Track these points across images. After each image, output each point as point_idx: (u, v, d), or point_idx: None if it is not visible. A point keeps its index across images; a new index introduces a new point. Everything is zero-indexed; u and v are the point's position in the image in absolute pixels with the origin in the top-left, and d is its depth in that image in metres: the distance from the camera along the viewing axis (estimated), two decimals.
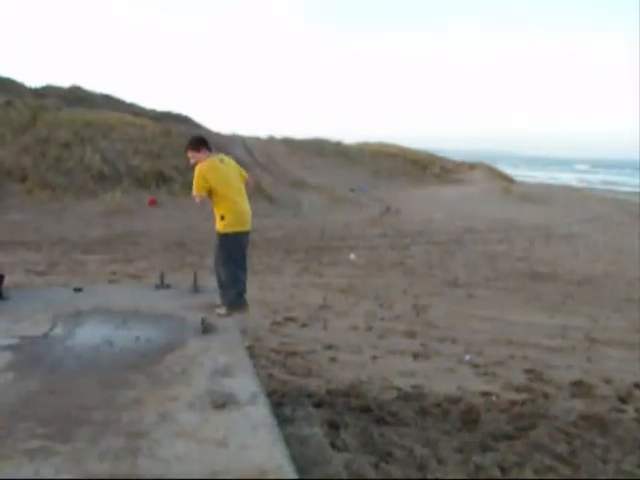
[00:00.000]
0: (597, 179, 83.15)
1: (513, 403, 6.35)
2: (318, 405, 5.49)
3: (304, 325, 9.39)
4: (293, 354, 7.81)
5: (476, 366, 7.83)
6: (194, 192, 5.30)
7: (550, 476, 4.41)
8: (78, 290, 5.19)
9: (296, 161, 37.61)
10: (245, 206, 5.34)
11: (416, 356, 8.14)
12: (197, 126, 42.25)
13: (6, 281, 4.89)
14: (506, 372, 7.61)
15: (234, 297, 5.03)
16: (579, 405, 6.40)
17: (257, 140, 42.27)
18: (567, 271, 16.05)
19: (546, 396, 6.67)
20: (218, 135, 39.38)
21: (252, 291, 11.41)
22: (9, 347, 3.53)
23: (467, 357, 8.16)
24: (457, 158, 53.20)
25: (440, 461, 4.39)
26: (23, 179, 21.10)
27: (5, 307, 4.44)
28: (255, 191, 24.83)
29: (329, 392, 6.20)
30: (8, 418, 2.59)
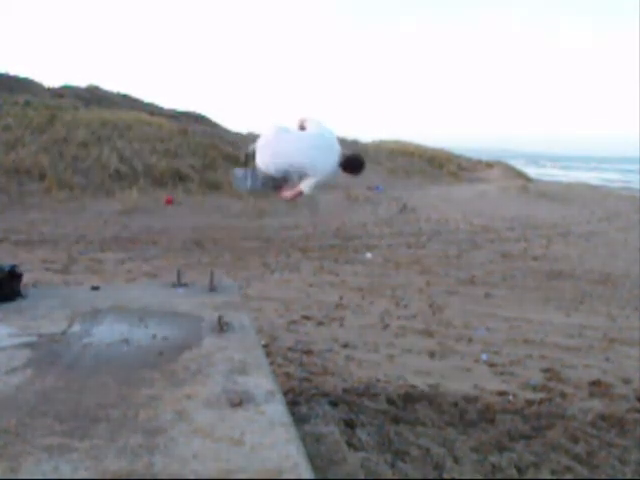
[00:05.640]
0: (615, 177, 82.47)
1: (530, 403, 6.32)
2: (334, 404, 5.50)
3: (320, 323, 9.40)
4: (309, 352, 7.83)
5: (493, 365, 7.80)
6: None
7: (567, 476, 4.38)
8: (95, 288, 5.21)
9: None
10: None
11: (432, 355, 8.12)
12: (214, 125, 42.42)
13: (25, 279, 4.93)
14: (523, 371, 7.58)
15: None
16: (597, 405, 6.36)
17: None
18: (585, 270, 15.91)
19: (564, 396, 6.63)
20: (236, 134, 39.50)
21: (269, 289, 11.49)
22: (27, 344, 3.56)
23: (484, 356, 8.13)
24: (474, 156, 52.90)
25: (456, 460, 4.38)
26: (41, 178, 21.29)
27: (23, 305, 4.47)
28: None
29: (345, 391, 6.21)
30: (27, 415, 2.61)
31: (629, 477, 4.51)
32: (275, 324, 9.12)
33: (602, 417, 5.83)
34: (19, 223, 17.61)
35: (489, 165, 47.42)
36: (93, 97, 40.77)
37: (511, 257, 17.18)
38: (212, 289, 5.23)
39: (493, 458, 4.50)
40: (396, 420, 5.32)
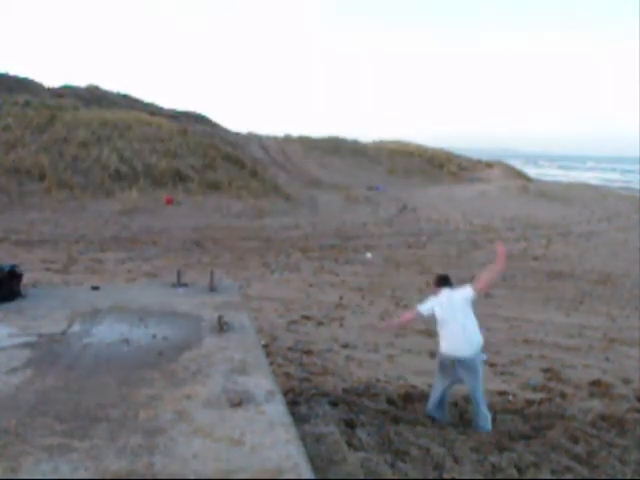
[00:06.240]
0: (615, 177, 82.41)
1: (530, 403, 6.32)
2: (334, 404, 5.49)
3: (320, 323, 9.39)
4: (309, 352, 7.82)
5: (493, 365, 7.79)
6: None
7: (567, 476, 4.37)
8: (95, 288, 5.22)
9: (312, 160, 37.63)
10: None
11: (432, 355, 8.11)
12: (214, 125, 42.42)
13: (25, 279, 4.93)
14: (523, 371, 7.57)
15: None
16: (597, 405, 6.35)
17: (273, 139, 42.35)
18: (585, 270, 15.91)
19: (564, 396, 6.63)
20: (236, 134, 39.49)
21: (269, 289, 11.48)
22: (28, 344, 3.57)
23: (484, 356, 8.12)
24: (474, 156, 52.92)
25: (456, 460, 4.37)
26: (42, 178, 21.30)
27: (24, 305, 4.48)
28: (271, 190, 24.91)
29: (345, 391, 6.20)
30: (27, 414, 2.62)
31: (629, 477, 4.51)
32: (275, 324, 9.12)
33: (602, 417, 5.83)
34: (19, 223, 17.61)
35: (489, 165, 47.44)
36: (93, 97, 40.77)
37: (511, 257, 17.15)
38: (212, 289, 5.23)
39: (493, 458, 4.49)
40: (396, 420, 5.32)
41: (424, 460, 4.32)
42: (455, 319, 5.44)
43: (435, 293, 5.74)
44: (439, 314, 5.51)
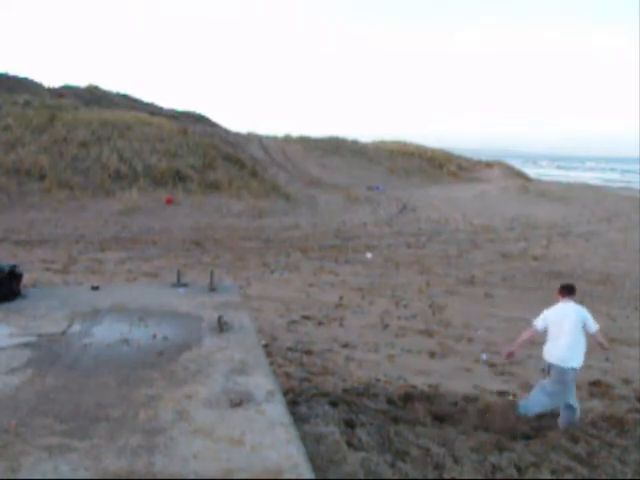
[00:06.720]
0: (615, 177, 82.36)
1: None
2: (334, 404, 5.49)
3: (320, 323, 9.39)
4: (309, 352, 7.82)
5: (493, 365, 7.80)
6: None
7: (567, 476, 4.37)
8: (95, 288, 5.22)
9: (312, 160, 37.59)
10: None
11: (432, 355, 8.12)
12: (214, 125, 42.40)
13: (25, 279, 4.93)
14: (523, 371, 7.58)
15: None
16: (597, 405, 6.36)
17: (273, 139, 42.32)
18: (585, 270, 15.90)
19: None
20: (236, 134, 39.47)
21: (269, 289, 11.47)
22: (28, 345, 3.56)
23: (484, 356, 8.13)
24: (474, 156, 52.86)
25: (456, 460, 4.37)
26: (42, 178, 21.31)
27: (23, 305, 4.48)
28: (271, 190, 24.90)
29: (345, 391, 6.20)
30: (27, 414, 2.61)
31: (629, 477, 4.51)
32: (275, 324, 9.12)
33: (602, 417, 5.83)
34: (19, 223, 17.62)
35: (489, 165, 47.39)
36: (93, 97, 40.78)
37: (511, 257, 17.17)
38: (212, 289, 5.23)
39: (493, 458, 4.49)
40: (396, 420, 5.31)
41: (424, 460, 4.32)
42: (560, 326, 5.68)
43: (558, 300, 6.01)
44: (550, 319, 5.80)
